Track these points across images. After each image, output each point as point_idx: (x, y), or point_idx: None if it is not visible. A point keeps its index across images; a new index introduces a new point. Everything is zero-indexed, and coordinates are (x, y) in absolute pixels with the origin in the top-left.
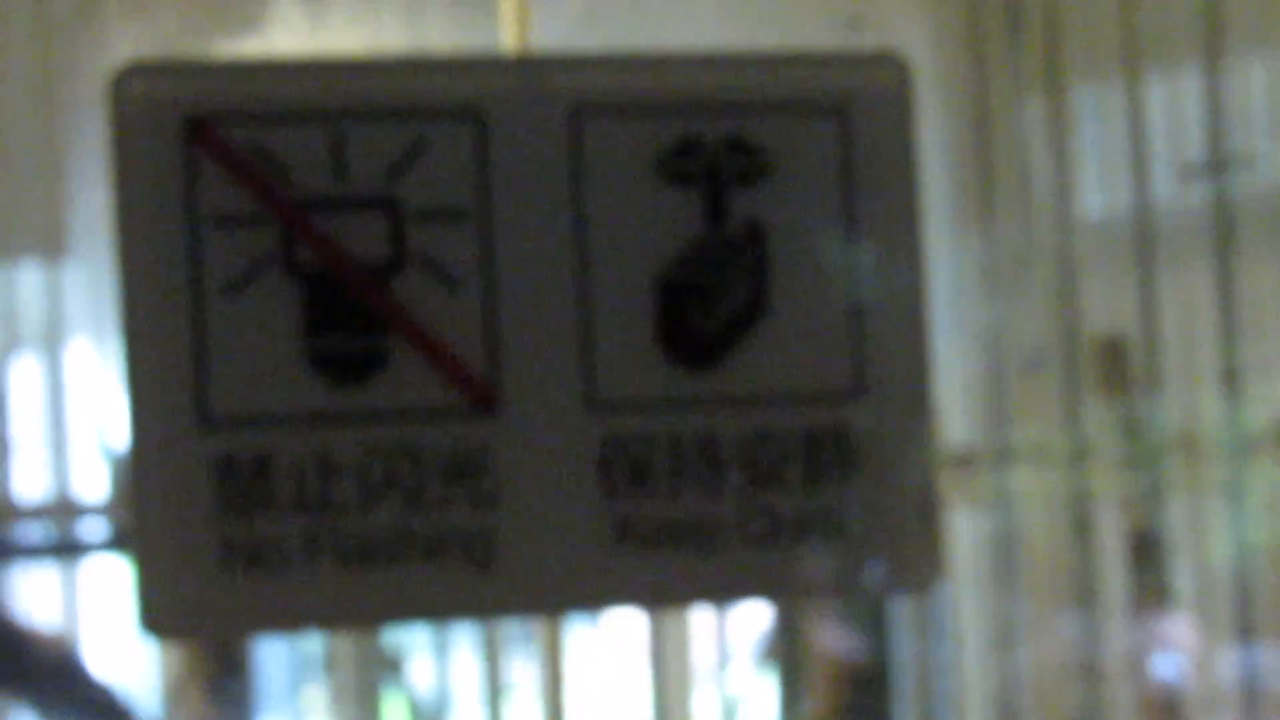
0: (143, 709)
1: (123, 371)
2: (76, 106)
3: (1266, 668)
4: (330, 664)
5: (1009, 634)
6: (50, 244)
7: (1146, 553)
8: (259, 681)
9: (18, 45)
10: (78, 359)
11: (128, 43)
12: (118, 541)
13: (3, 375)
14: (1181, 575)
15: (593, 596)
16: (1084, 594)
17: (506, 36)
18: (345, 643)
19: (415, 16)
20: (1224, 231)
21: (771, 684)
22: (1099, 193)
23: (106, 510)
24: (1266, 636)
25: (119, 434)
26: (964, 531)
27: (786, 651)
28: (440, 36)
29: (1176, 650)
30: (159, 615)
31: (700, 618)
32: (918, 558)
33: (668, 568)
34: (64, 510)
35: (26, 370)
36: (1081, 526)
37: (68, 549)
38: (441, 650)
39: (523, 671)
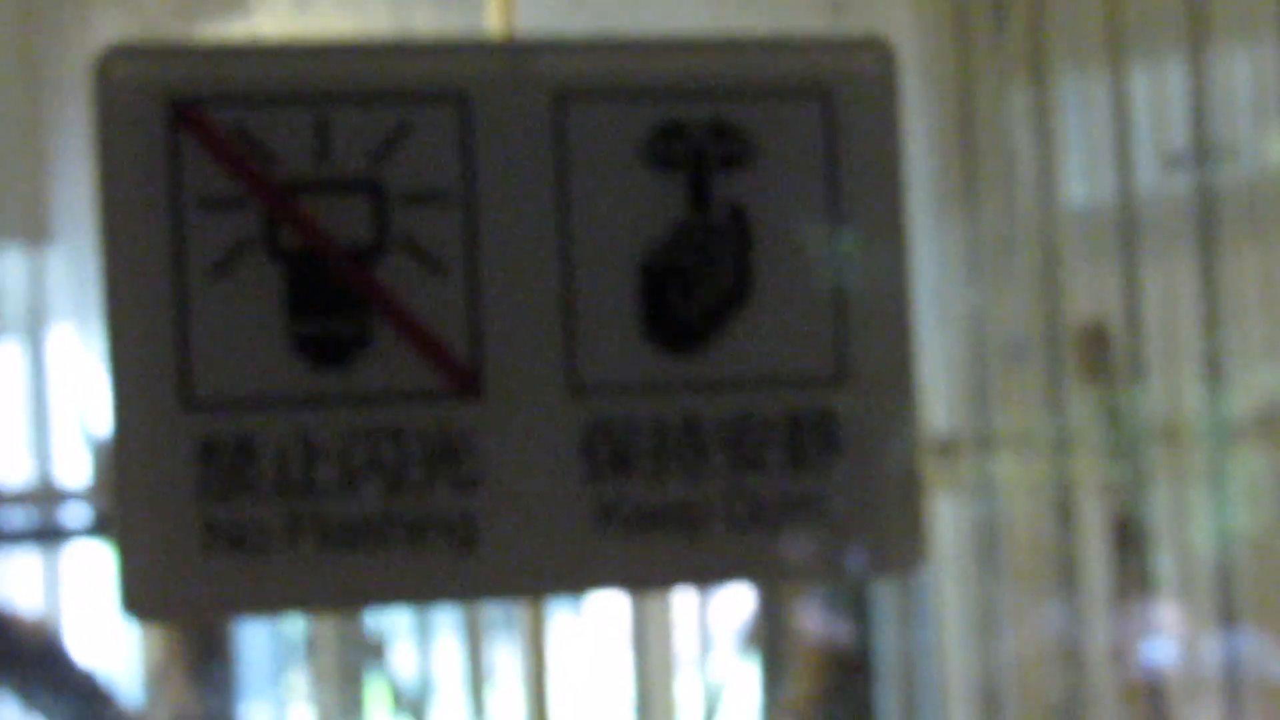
0: (124, 694)
1: (105, 354)
2: (60, 89)
3: (1248, 654)
4: (312, 649)
5: (991, 620)
6: (33, 228)
7: (1129, 539)
8: (241, 666)
9: (1, 28)
10: (60, 344)
11: (112, 25)
12: (99, 527)
13: None
14: (1164, 562)
15: (575, 580)
16: (1066, 580)
17: (491, 20)
18: (328, 627)
19: (400, 0)
20: (1207, 220)
21: (754, 669)
22: (1082, 180)
23: (88, 496)
24: (1249, 623)
25: (101, 418)
26: (947, 517)
27: (769, 637)
28: (425, 20)
29: (1159, 637)
30: (141, 597)
31: (682, 604)
32: (900, 543)
33: (651, 551)
34: (46, 495)
35: (8, 355)
36: (1064, 513)
37: (50, 534)
38: (424, 635)
39: (505, 656)
